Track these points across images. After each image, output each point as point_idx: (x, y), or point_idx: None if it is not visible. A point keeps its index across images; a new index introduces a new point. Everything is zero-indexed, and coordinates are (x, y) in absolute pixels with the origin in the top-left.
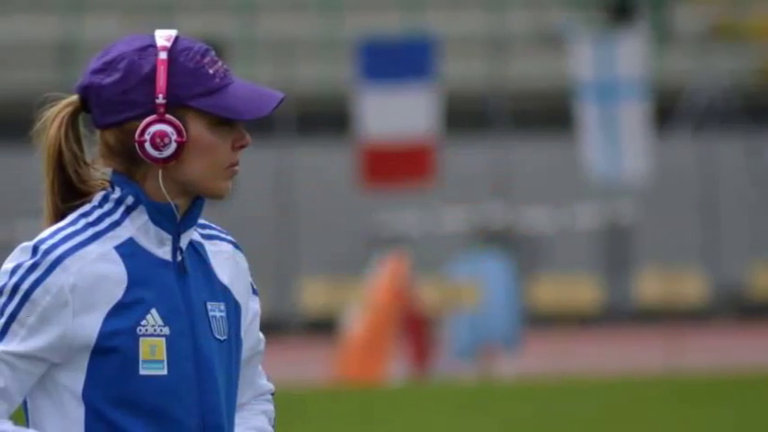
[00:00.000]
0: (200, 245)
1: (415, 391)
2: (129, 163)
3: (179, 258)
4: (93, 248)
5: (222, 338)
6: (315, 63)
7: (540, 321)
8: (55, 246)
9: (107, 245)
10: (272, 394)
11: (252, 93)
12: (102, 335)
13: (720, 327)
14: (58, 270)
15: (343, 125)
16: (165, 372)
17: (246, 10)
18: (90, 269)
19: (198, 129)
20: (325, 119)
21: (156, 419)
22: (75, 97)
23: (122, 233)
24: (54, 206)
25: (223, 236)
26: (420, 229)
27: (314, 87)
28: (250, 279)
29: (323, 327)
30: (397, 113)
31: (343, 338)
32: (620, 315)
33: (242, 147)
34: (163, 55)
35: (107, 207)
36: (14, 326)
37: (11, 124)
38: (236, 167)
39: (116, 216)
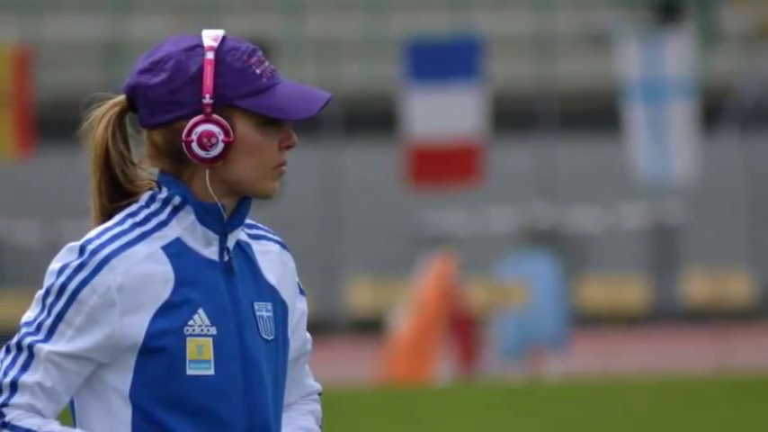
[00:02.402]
0: (248, 245)
1: (462, 391)
2: (177, 163)
3: (226, 258)
4: (141, 248)
5: (269, 338)
6: (361, 63)
7: (588, 321)
8: (102, 246)
9: (154, 245)
10: (320, 394)
11: (299, 93)
12: (150, 335)
13: None
14: (105, 270)
15: (390, 125)
16: (212, 372)
17: (293, 10)
18: (137, 269)
19: (245, 129)
20: (371, 119)
21: (204, 419)
22: (122, 97)
23: (169, 233)
24: (101, 206)
25: (270, 236)
26: (467, 229)
27: (360, 87)
28: (297, 279)
29: (370, 327)
30: (443, 113)
31: (389, 338)
32: (667, 315)
33: (289, 147)
34: (210, 55)
35: (154, 207)
36: (62, 326)
37: (58, 124)
38: (284, 167)
39: (163, 216)
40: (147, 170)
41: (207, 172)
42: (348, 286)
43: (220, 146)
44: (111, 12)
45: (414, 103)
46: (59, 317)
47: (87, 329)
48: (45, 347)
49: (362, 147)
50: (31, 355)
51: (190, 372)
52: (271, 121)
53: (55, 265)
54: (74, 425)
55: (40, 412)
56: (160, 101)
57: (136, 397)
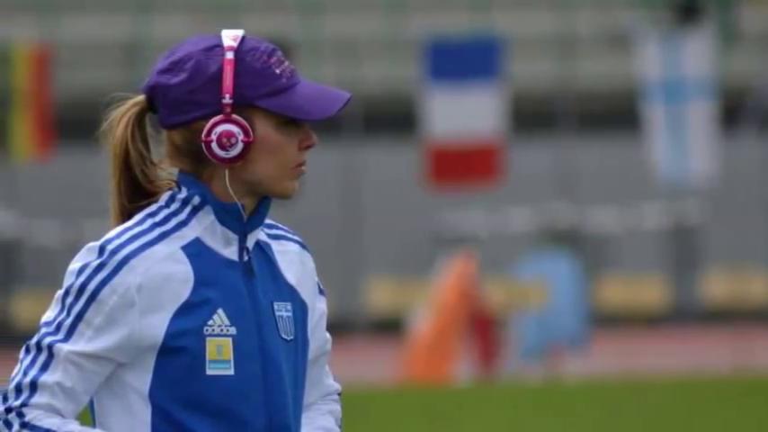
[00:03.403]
0: (267, 245)
1: (481, 391)
2: (196, 163)
3: (245, 258)
4: (160, 248)
5: (289, 338)
6: (381, 63)
7: (607, 321)
8: (122, 246)
9: (174, 245)
10: (339, 394)
11: (318, 93)
12: (169, 335)
13: None
14: (124, 270)
15: (410, 125)
16: (231, 372)
17: (312, 10)
18: (157, 269)
19: (265, 129)
20: (391, 119)
21: (223, 419)
22: (141, 97)
23: (189, 233)
24: (120, 206)
25: (290, 236)
26: (486, 229)
27: (380, 87)
28: (317, 279)
29: (389, 327)
30: (463, 113)
31: (409, 338)
32: (687, 315)
33: (308, 147)
34: (229, 55)
35: (174, 207)
36: (81, 326)
37: (77, 124)
38: (303, 167)
39: (183, 216)
40: (166, 170)
41: (226, 172)
42: (368, 286)
43: (240, 146)
44: (130, 12)
45: (433, 103)
46: (79, 317)
47: (107, 329)
48: (65, 347)
49: (382, 147)
50: (51, 355)
51: (209, 372)
52: (290, 121)
53: (75, 265)
54: (93, 425)
55: (60, 412)
56: (179, 101)
57: (155, 397)
